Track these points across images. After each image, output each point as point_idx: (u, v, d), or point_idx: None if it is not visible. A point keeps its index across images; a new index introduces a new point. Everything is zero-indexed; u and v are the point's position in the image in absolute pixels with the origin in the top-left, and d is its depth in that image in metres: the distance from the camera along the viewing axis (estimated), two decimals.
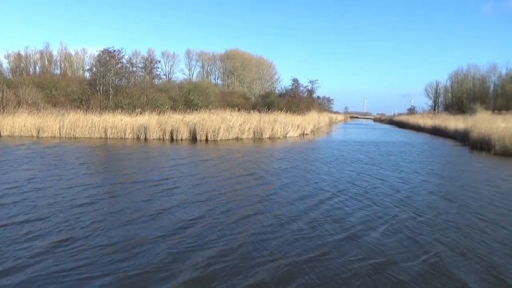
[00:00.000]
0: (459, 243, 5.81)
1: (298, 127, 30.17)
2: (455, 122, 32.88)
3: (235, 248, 5.45)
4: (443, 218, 7.14)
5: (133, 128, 23.00)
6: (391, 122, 74.22)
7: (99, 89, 29.06)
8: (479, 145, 20.46)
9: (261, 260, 5.04)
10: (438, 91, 78.55)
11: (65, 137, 22.16)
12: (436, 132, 36.26)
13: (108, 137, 22.69)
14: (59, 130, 22.71)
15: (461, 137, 26.47)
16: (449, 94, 72.79)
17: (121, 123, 23.07)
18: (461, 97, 67.57)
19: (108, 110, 25.45)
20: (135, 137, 22.91)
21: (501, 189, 10.08)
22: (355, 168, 13.32)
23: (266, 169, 12.76)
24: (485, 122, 23.37)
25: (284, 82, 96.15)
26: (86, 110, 25.32)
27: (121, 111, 25.40)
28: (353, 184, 10.33)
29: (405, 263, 5.03)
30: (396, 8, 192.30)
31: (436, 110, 71.91)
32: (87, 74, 38.14)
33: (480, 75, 67.21)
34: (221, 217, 6.90)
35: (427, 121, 43.22)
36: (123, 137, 22.80)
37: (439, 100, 78.15)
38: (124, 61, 31.95)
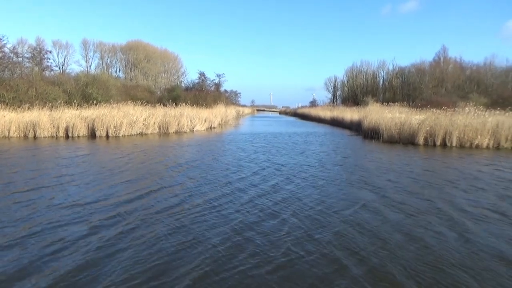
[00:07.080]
0: (349, 194, 6.93)
1: (205, 121, 29.94)
2: (350, 114, 35.68)
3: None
4: (340, 181, 8.76)
5: (19, 125, 20.54)
6: (295, 114, 77.90)
7: None
8: (370, 134, 22.45)
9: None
10: (336, 85, 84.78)
11: None
12: (335, 123, 38.96)
13: None
14: None
15: (356, 127, 28.80)
16: (346, 88, 79.06)
17: (3, 120, 20.43)
18: (355, 90, 73.84)
19: None
20: (22, 135, 20.49)
21: (385, 164, 11.25)
22: (266, 157, 13.71)
23: (174, 165, 12.35)
24: (374, 113, 25.75)
25: (191, 76, 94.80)
26: None
27: (4, 106, 22.49)
28: (264, 169, 10.59)
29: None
30: (302, 6, 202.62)
31: (335, 103, 77.55)
32: None
33: (371, 70, 74.01)
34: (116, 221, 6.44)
35: (327, 113, 46.22)
36: (7, 135, 20.25)
37: (337, 93, 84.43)
38: (7, 50, 28.41)
